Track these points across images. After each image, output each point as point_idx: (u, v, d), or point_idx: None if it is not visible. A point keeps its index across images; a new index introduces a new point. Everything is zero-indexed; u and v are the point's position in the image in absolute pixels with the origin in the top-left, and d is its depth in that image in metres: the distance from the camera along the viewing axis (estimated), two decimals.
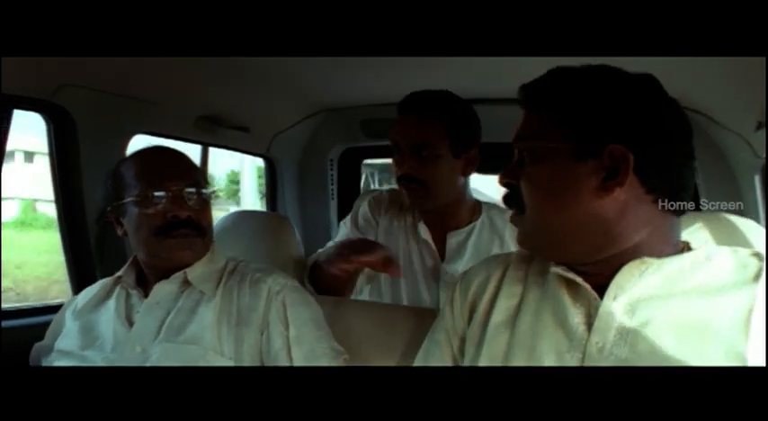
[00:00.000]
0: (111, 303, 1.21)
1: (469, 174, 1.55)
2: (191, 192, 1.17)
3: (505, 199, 0.90)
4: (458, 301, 0.97)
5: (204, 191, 1.20)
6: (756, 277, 0.75)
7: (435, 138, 1.45)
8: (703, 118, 1.96)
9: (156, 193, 1.14)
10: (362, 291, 1.64)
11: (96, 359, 1.12)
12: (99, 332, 1.17)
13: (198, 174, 1.21)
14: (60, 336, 1.21)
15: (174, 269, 1.18)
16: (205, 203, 1.20)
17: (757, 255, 0.79)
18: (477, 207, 1.61)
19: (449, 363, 0.96)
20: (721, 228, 1.07)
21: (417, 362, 1.01)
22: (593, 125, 0.79)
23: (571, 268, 0.83)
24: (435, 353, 0.98)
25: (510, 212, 0.90)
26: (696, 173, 2.18)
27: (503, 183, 0.89)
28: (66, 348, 1.17)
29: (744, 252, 0.80)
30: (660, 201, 0.80)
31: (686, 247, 0.84)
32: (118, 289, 1.22)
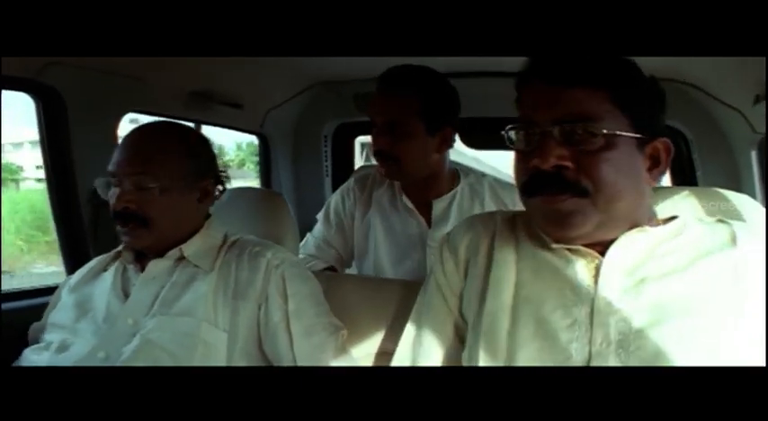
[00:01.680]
0: (108, 276, 1.21)
1: (445, 151, 1.56)
2: (140, 181, 1.12)
3: (551, 181, 0.82)
4: (449, 260, 0.98)
5: (157, 184, 1.12)
6: (733, 240, 0.84)
7: (407, 116, 1.46)
8: (699, 92, 1.94)
9: (112, 178, 1.14)
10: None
11: (87, 331, 1.13)
12: (93, 304, 1.17)
13: (157, 166, 1.13)
14: (54, 310, 1.21)
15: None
16: (154, 194, 1.13)
17: (721, 220, 0.89)
18: (456, 175, 1.65)
19: (446, 323, 0.97)
20: (715, 202, 1.07)
21: (411, 324, 1.01)
22: (652, 116, 0.85)
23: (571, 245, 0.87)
24: (429, 315, 0.99)
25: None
26: (692, 147, 2.19)
27: (551, 166, 0.81)
28: (60, 322, 1.17)
29: (708, 220, 0.91)
30: (655, 179, 0.87)
31: (659, 220, 0.91)
32: (117, 263, 1.23)
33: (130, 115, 1.76)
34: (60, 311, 1.20)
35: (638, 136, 0.82)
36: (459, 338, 0.96)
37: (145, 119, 1.81)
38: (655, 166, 0.85)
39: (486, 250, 0.94)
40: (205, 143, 1.24)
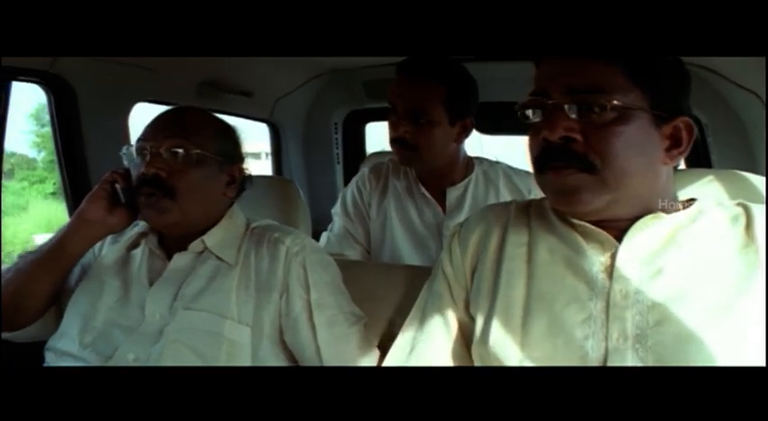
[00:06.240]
0: (137, 255, 1.18)
1: (462, 140, 1.56)
2: (172, 151, 1.09)
3: (559, 153, 0.81)
4: (457, 253, 0.96)
5: (195, 151, 1.10)
6: (753, 224, 0.81)
7: (433, 106, 1.45)
8: (712, 74, 1.91)
9: (139, 147, 1.10)
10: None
11: (114, 322, 1.09)
12: (121, 286, 1.14)
13: (194, 135, 1.11)
14: (85, 279, 1.17)
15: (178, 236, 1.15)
16: (188, 163, 1.10)
17: (740, 204, 0.85)
18: (471, 162, 1.65)
19: (449, 312, 0.95)
20: (735, 184, 1.06)
21: (414, 314, 1.00)
22: (672, 95, 0.82)
23: (586, 220, 0.84)
24: (434, 303, 0.97)
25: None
26: (706, 131, 2.15)
27: (558, 136, 0.80)
28: (85, 299, 1.13)
29: (728, 203, 0.87)
30: (674, 159, 0.84)
31: (677, 204, 0.88)
32: (143, 244, 1.19)
33: None
34: (89, 287, 1.15)
35: (652, 112, 0.79)
36: (461, 332, 0.94)
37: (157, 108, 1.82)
38: (675, 147, 0.82)
39: (498, 242, 0.92)
40: (235, 131, 1.23)
